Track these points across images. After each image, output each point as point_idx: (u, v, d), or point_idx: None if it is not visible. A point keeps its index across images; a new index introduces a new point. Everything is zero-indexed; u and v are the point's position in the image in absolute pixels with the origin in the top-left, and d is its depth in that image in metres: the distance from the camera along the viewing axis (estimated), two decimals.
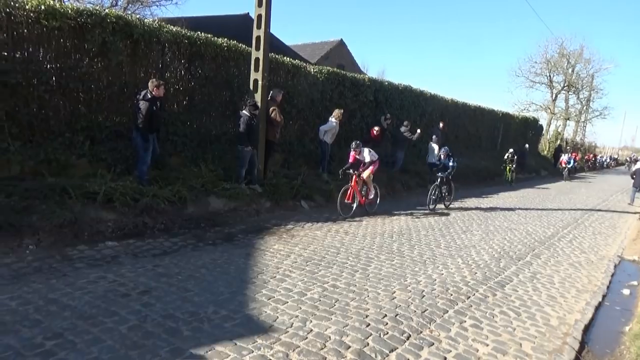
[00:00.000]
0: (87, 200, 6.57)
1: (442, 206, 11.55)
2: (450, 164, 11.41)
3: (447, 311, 4.84)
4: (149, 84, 7.59)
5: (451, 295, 5.32)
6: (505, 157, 19.12)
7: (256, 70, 9.45)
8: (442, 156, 11.70)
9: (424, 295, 5.20)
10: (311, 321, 4.23)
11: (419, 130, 13.84)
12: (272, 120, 9.56)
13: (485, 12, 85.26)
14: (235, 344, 3.68)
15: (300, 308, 4.50)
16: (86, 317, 3.88)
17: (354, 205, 9.28)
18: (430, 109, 17.33)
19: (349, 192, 9.17)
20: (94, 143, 7.80)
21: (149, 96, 7.50)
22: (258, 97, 9.34)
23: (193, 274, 5.15)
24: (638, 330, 4.81)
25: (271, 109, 9.56)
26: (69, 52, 7.57)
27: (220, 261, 5.70)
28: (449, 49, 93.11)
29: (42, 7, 7.04)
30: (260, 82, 9.37)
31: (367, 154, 9.39)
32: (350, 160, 9.46)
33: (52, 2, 7.40)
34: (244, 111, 8.99)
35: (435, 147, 14.42)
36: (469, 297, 5.33)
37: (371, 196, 9.74)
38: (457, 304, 5.06)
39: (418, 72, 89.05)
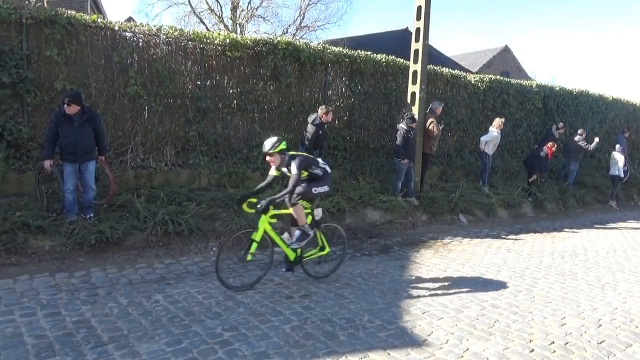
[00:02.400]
0: None
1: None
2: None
3: (631, 345, 4.22)
4: (319, 110, 8.16)
5: (637, 327, 4.63)
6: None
7: (414, 83, 9.50)
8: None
9: (600, 325, 4.62)
10: (467, 340, 4.09)
11: (597, 139, 12.30)
12: (429, 132, 9.48)
13: None
14: (389, 354, 3.75)
15: (456, 325, 4.38)
16: (256, 314, 4.35)
17: None
18: (612, 114, 15.27)
19: None
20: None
21: (318, 121, 8.09)
22: (415, 109, 9.36)
23: (349, 282, 5.39)
24: None
25: (429, 121, 9.49)
26: (247, 77, 8.60)
27: (376, 272, 5.85)
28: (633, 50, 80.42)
29: (227, 41, 8.13)
30: (417, 95, 9.39)
31: None
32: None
33: (234, 35, 8.52)
34: (401, 124, 9.09)
35: (620, 157, 12.62)
36: None
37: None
38: None
39: (596, 78, 78.81)
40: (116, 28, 7.34)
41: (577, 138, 12.42)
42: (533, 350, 3.98)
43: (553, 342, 4.15)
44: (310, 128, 8.09)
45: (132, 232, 6.13)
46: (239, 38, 8.44)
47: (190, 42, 7.98)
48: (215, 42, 8.11)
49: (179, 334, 3.86)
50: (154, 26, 7.73)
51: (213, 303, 4.53)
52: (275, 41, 8.69)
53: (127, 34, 7.52)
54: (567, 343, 4.16)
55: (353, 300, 4.82)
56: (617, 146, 12.87)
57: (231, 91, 8.49)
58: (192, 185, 7.78)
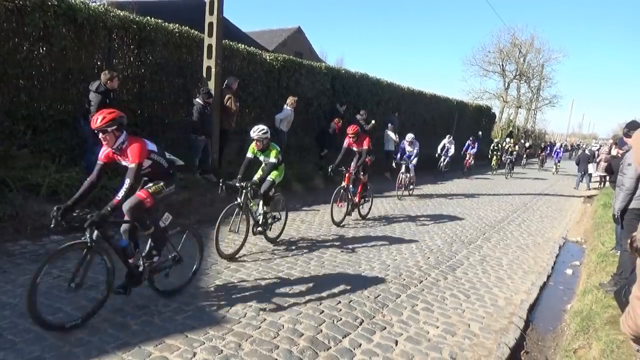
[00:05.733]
0: (29, 193, 6.26)
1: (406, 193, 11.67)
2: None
3: (400, 296, 4.93)
4: (102, 75, 7.24)
5: (404, 280, 5.42)
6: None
7: (209, 57, 9.24)
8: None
9: (377, 281, 5.28)
10: (265, 310, 4.22)
11: (373, 122, 13.94)
12: (227, 108, 9.38)
13: (442, 2, 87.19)
14: (187, 336, 3.62)
15: (255, 298, 4.47)
16: (27, 315, 3.70)
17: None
18: (386, 97, 17.46)
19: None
20: (36, 133, 7.42)
21: (102, 88, 7.18)
22: (211, 84, 9.14)
23: None
24: (578, 307, 5.06)
25: (226, 97, 9.38)
26: (7, 36, 7.12)
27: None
28: (407, 38, 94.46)
29: None
30: (213, 70, 9.18)
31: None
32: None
33: None
34: (197, 99, 8.78)
35: (392, 134, 14.59)
36: (421, 281, 5.46)
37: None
38: (410, 289, 5.17)
39: (376, 61, 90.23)
40: None
41: (358, 117, 13.85)
42: (323, 312, 4.31)
43: (339, 302, 4.57)
44: (94, 97, 7.13)
45: None
46: None
47: None
48: None
49: None
50: None
51: None
52: None
53: None
54: (351, 301, 4.63)
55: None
56: (390, 125, 14.84)
57: None
58: None
